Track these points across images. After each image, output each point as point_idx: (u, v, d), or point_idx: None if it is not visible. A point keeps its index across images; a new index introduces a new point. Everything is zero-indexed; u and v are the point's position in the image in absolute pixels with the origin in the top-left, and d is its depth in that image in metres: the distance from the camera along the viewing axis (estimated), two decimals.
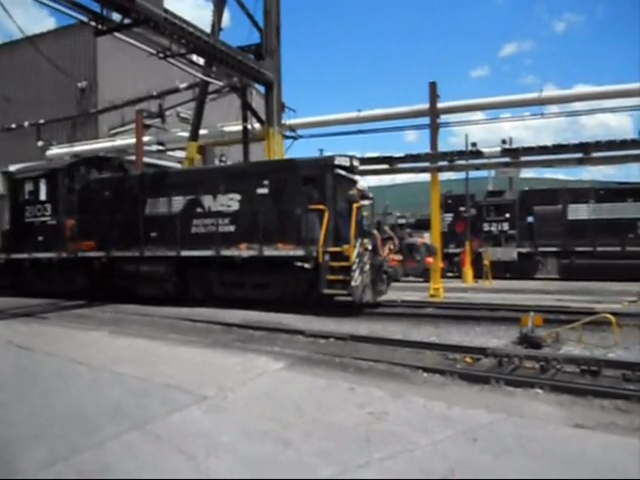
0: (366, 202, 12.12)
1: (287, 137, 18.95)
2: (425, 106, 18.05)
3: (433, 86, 17.67)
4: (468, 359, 7.00)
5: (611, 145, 14.07)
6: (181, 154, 19.35)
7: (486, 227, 23.67)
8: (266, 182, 12.31)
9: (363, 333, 8.74)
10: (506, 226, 23.41)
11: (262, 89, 18.24)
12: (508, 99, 18.40)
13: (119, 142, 24.68)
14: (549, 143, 14.65)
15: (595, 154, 14.21)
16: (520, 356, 6.64)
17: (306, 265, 11.37)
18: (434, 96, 17.55)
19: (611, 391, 5.39)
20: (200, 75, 18.77)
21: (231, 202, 12.74)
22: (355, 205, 11.38)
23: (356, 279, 10.90)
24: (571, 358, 6.57)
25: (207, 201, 13.07)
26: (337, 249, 11.16)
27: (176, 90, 22.39)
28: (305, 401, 5.13)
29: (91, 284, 14.83)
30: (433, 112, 17.44)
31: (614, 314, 8.02)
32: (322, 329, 9.19)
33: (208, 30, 15.43)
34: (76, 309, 13.04)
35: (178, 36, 13.32)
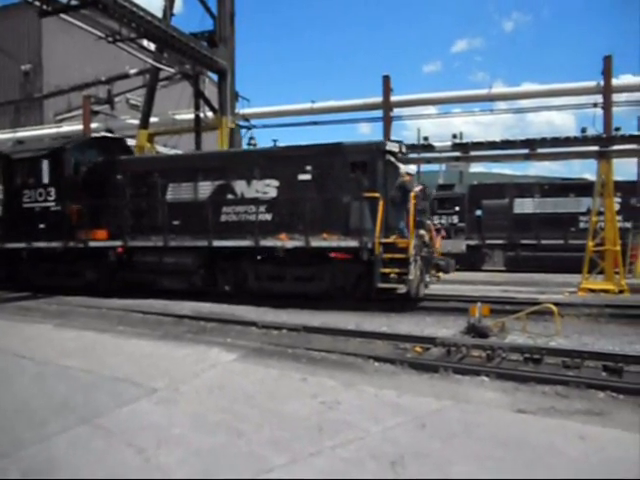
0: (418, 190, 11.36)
1: (241, 127, 18.75)
2: (379, 99, 18.22)
3: (387, 79, 17.85)
4: (418, 348, 7.16)
5: (556, 142, 14.58)
6: (131, 142, 18.89)
7: (436, 220, 24.20)
8: (309, 167, 11.43)
9: (316, 324, 8.80)
10: (456, 219, 24.01)
11: (215, 77, 17.96)
12: (459, 94, 18.79)
13: (65, 128, 23.77)
14: (498, 139, 15.03)
15: (540, 150, 14.68)
16: (468, 345, 6.86)
17: (364, 257, 10.48)
18: (387, 89, 17.74)
19: (552, 377, 5.65)
20: (151, 61, 18.31)
21: (268, 188, 11.79)
22: (413, 194, 10.75)
23: (413, 272, 10.34)
24: (515, 347, 6.82)
25: (239, 187, 12.05)
26: (393, 240, 10.49)
27: (126, 76, 21.77)
28: (258, 392, 5.15)
29: (101, 277, 13.40)
30: (386, 105, 17.63)
31: (556, 304, 8.38)
32: (275, 320, 9.19)
33: (160, 15, 15.06)
34: (20, 301, 12.56)
35: (128, 20, 12.94)
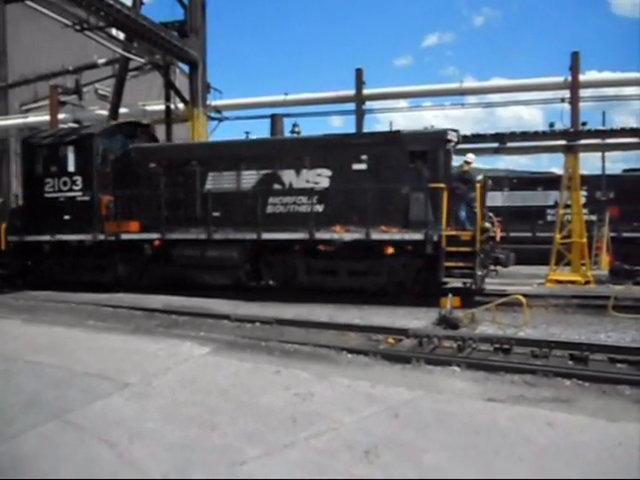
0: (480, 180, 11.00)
1: (212, 118, 18.57)
2: (351, 92, 18.24)
3: (359, 72, 17.88)
4: (391, 340, 7.24)
5: (525, 136, 14.81)
6: None
7: None
8: (364, 157, 10.93)
9: (289, 317, 8.82)
10: None
11: (186, 68, 17.72)
12: (430, 88, 18.92)
13: (32, 119, 23.11)
14: (468, 132, 15.23)
15: (510, 144, 14.92)
16: (439, 336, 6.97)
17: (428, 250, 10.14)
18: (360, 82, 17.78)
19: (520, 367, 5.78)
20: (120, 51, 17.98)
21: (319, 178, 11.21)
22: (478, 184, 10.51)
23: (479, 266, 10.11)
24: (485, 337, 6.96)
25: (288, 177, 11.45)
26: (461, 233, 10.23)
27: (94, 65, 21.26)
28: (231, 385, 5.14)
29: (134, 272, 12.65)
30: (359, 98, 17.67)
31: (525, 295, 8.55)
32: (247, 313, 9.18)
33: (129, 3, 14.76)
34: None
35: (96, 8, 12.65)
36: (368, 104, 18.78)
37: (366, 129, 18.32)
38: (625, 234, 17.42)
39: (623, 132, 14.22)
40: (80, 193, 12.72)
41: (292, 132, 14.43)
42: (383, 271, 10.80)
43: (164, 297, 11.19)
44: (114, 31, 17.14)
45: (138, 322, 8.76)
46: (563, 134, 14.56)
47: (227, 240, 11.56)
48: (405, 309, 9.73)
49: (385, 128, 13.57)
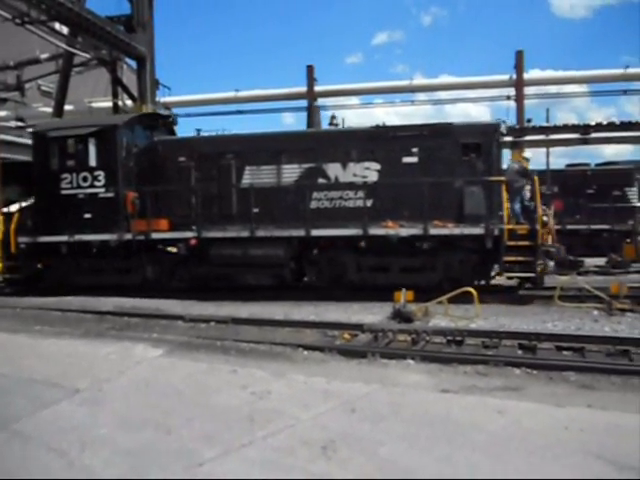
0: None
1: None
2: (303, 89, 18.29)
3: (310, 69, 17.94)
4: (346, 335, 7.30)
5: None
6: None
7: None
8: (415, 150, 10.60)
9: (244, 315, 8.76)
10: None
11: (134, 64, 17.30)
12: (381, 85, 19.19)
13: None
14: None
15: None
16: (394, 330, 7.07)
17: (488, 245, 9.97)
18: (311, 79, 17.84)
19: (472, 358, 5.94)
20: (64, 45, 17.37)
21: (367, 172, 10.79)
22: (536, 178, 10.38)
23: (541, 260, 9.97)
24: (439, 330, 7.12)
25: (333, 170, 10.98)
26: (519, 227, 10.12)
27: (36, 61, 20.50)
28: (187, 386, 5.06)
29: (164, 273, 11.82)
30: (311, 95, 17.73)
31: (476, 288, 8.76)
32: (202, 313, 9.06)
33: None
34: None
35: (37, 0, 12.16)
36: (320, 101, 18.89)
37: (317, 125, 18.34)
38: (569, 226, 18.10)
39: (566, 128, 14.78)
40: (103, 189, 11.66)
41: (330, 124, 13.80)
42: (439, 267, 10.52)
43: (115, 299, 10.90)
44: (57, 25, 16.51)
45: (88, 326, 8.50)
46: (510, 130, 14.95)
47: (271, 237, 10.93)
48: (360, 304, 9.82)
49: (338, 125, 13.43)
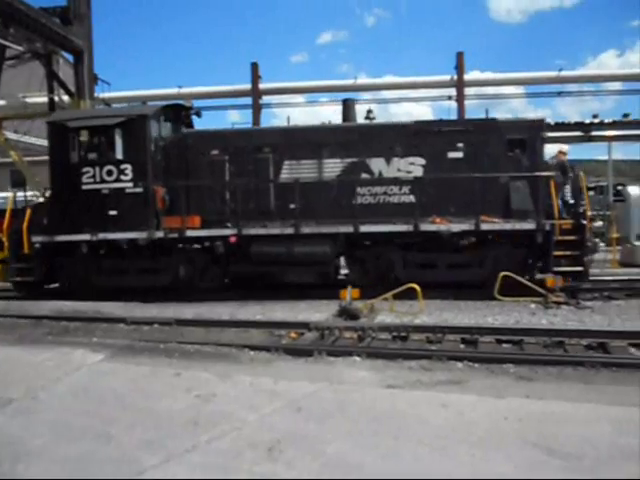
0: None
1: None
2: (247, 86, 18.10)
3: (255, 66, 17.78)
4: (293, 334, 7.28)
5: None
6: None
7: None
8: (460, 145, 10.50)
9: (189, 316, 8.59)
10: None
11: (71, 58, 16.64)
12: (326, 84, 19.27)
13: None
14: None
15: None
16: (340, 328, 7.11)
17: (539, 239, 9.95)
18: (256, 76, 17.69)
19: (417, 353, 6.04)
20: None
21: (412, 167, 10.61)
22: (582, 173, 10.52)
23: (589, 255, 10.11)
24: (384, 326, 7.21)
25: (377, 165, 10.73)
26: (567, 222, 10.17)
27: None
28: (128, 392, 4.91)
29: (195, 273, 11.20)
30: (255, 92, 17.57)
31: (419, 284, 8.92)
32: (145, 315, 8.81)
33: None
34: None
35: None
36: (265, 99, 18.77)
37: (263, 124, 18.24)
38: None
39: None
40: (130, 184, 10.81)
41: (366, 118, 13.32)
42: (487, 263, 10.37)
43: (53, 302, 10.46)
44: None
45: (23, 331, 8.10)
46: None
47: (317, 234, 10.50)
48: (306, 302, 9.82)
49: (282, 123, 13.29)
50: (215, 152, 11.10)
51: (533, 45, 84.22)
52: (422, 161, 10.63)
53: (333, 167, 10.90)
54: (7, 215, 11.69)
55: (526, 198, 10.22)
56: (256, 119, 17.53)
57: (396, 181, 10.64)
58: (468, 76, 18.57)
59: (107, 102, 18.12)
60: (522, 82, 19.82)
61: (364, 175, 10.79)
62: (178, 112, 12.12)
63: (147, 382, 5.21)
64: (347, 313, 7.99)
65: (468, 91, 18.74)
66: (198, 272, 11.21)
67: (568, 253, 10.03)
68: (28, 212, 11.46)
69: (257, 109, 17.60)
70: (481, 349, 6.36)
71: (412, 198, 10.53)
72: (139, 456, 3.51)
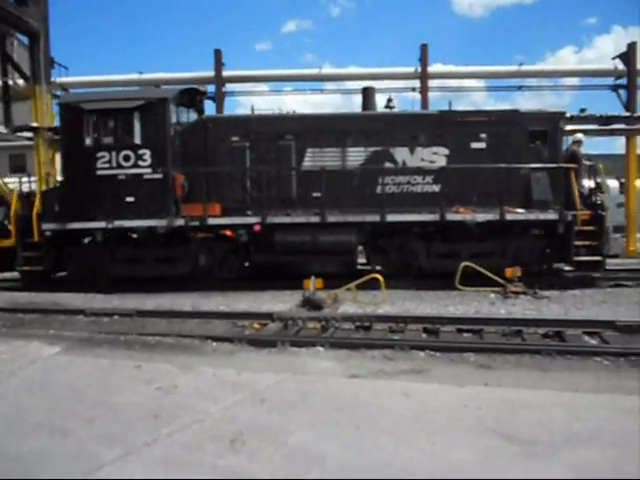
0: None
1: (58, 97, 17.01)
2: (210, 73, 17.78)
3: (218, 54, 17.47)
4: (256, 325, 7.24)
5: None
6: None
7: None
8: (483, 135, 10.60)
9: (150, 308, 8.45)
10: None
11: (26, 40, 15.98)
12: (291, 73, 19.07)
13: None
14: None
15: None
16: (303, 318, 7.12)
17: (560, 230, 10.14)
18: (219, 64, 17.39)
19: (380, 343, 6.10)
20: None
21: (435, 157, 10.65)
22: (601, 165, 10.83)
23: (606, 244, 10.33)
24: (347, 316, 7.25)
25: (400, 154, 10.69)
26: (582, 212, 10.27)
27: None
28: (86, 385, 4.79)
29: (214, 262, 10.91)
30: (218, 80, 17.28)
31: (382, 275, 8.99)
32: (105, 306, 8.64)
33: None
34: None
35: None
36: (229, 87, 18.45)
37: (227, 112, 17.99)
38: None
39: None
40: (149, 170, 10.41)
41: (387, 107, 13.08)
42: (509, 252, 10.49)
43: (8, 293, 10.14)
44: None
45: None
46: None
47: (343, 223, 10.41)
48: (270, 293, 9.78)
49: (247, 111, 13.11)
50: (235, 138, 10.86)
51: (494, 40, 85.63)
52: (445, 151, 10.71)
53: (357, 156, 10.83)
54: (13, 201, 11.17)
55: (547, 189, 10.45)
56: (219, 107, 17.23)
57: (420, 170, 10.68)
58: (432, 68, 18.69)
59: (65, 87, 17.53)
60: (484, 75, 20.08)
61: (388, 164, 10.76)
62: (192, 97, 11.75)
63: (106, 375, 5.09)
64: (310, 303, 8.00)
65: (432, 83, 18.85)
66: (218, 261, 10.98)
67: (587, 243, 10.28)
68: (37, 198, 10.93)
69: (220, 97, 17.31)
70: (442, 338, 6.46)
71: (435, 188, 10.62)
72: (97, 451, 3.43)
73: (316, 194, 10.47)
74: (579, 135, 11.63)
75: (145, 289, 10.25)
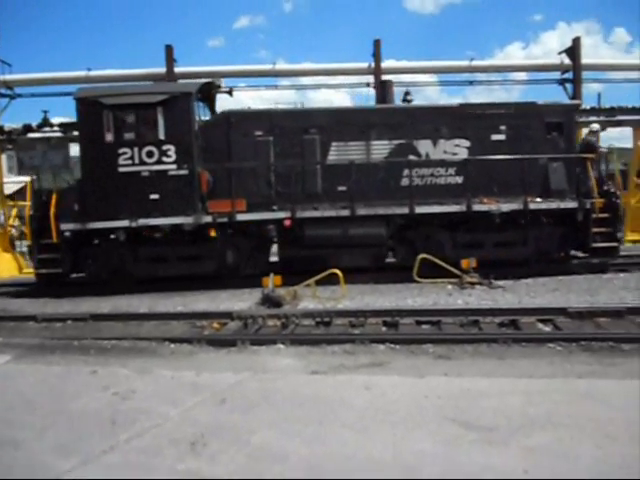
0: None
1: (2, 95, 16.38)
2: (162, 69, 17.44)
3: (169, 50, 17.15)
4: (216, 325, 7.16)
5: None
6: None
7: None
8: (503, 127, 10.79)
9: (105, 311, 8.24)
10: None
11: None
12: (244, 69, 18.89)
13: None
14: None
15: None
16: (263, 316, 7.06)
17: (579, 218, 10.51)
18: (170, 60, 17.07)
19: (340, 338, 6.13)
20: None
21: (457, 149, 10.79)
22: (614, 155, 11.55)
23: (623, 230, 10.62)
24: (307, 313, 7.25)
25: (424, 147, 10.79)
26: (602, 200, 10.61)
27: None
28: (39, 394, 4.62)
29: (242, 259, 10.75)
30: (170, 76, 16.97)
31: (341, 269, 9.02)
32: (57, 311, 8.36)
33: None
34: None
35: None
36: (181, 83, 18.11)
37: None
38: None
39: None
40: (174, 166, 10.18)
41: (404, 100, 13.02)
42: (530, 241, 10.75)
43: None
44: None
45: None
46: None
47: (372, 216, 10.44)
48: (229, 292, 9.69)
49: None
50: (259, 132, 10.74)
51: (445, 36, 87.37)
52: (467, 143, 10.90)
53: (381, 149, 10.90)
54: (28, 201, 10.65)
55: (563, 178, 10.81)
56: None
57: (443, 163, 10.84)
58: (385, 64, 18.85)
59: (9, 85, 16.86)
60: (436, 70, 20.38)
61: (411, 157, 10.86)
62: (208, 91, 11.57)
63: (60, 382, 4.93)
64: (270, 301, 7.96)
65: (385, 78, 19.05)
66: (244, 258, 10.83)
67: (603, 230, 10.69)
68: (54, 197, 10.39)
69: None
70: (402, 331, 6.54)
71: (458, 179, 10.82)
72: (52, 462, 3.31)
73: (341, 188, 10.61)
74: (595, 125, 12.04)
75: (101, 292, 9.97)
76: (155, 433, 3.69)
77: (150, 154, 10.20)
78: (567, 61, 18.43)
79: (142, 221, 10.19)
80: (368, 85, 18.61)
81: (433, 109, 11.79)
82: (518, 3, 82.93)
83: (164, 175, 10.21)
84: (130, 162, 10.17)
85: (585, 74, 18.46)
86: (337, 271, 8.61)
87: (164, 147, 10.19)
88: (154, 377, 4.95)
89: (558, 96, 18.38)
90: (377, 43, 18.16)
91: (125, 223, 10.18)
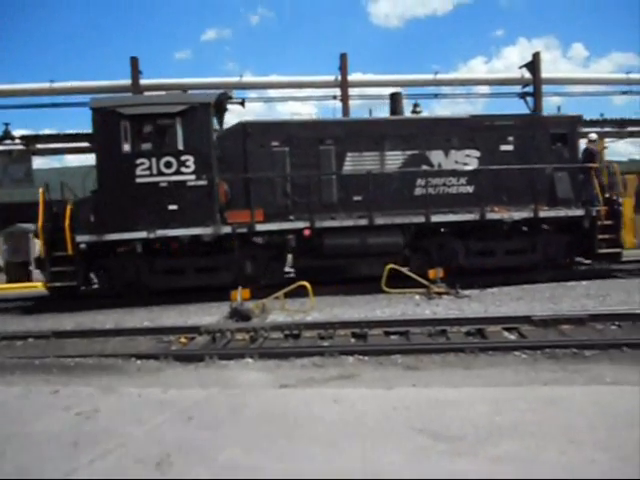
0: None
1: None
2: (127, 82, 17.24)
3: (134, 61, 16.99)
4: (183, 339, 7.05)
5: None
6: None
7: None
8: (511, 138, 11.27)
9: (69, 328, 8.02)
10: None
11: None
12: (210, 81, 18.80)
13: None
14: None
15: None
16: (231, 330, 6.99)
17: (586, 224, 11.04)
18: (135, 71, 16.90)
19: (309, 350, 6.10)
20: None
21: (468, 159, 11.20)
22: (616, 165, 11.86)
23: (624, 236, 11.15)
24: (276, 326, 7.20)
25: (436, 157, 11.18)
26: (606, 208, 11.07)
27: None
28: None
29: (259, 270, 10.74)
30: (136, 88, 16.79)
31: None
32: (18, 329, 8.10)
33: None
34: None
35: None
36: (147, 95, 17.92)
37: None
38: None
39: None
40: (193, 177, 10.12)
41: (413, 112, 13.21)
42: (538, 248, 11.20)
43: None
44: None
45: None
46: None
47: (390, 225, 10.69)
48: (197, 305, 9.59)
49: None
50: (276, 143, 10.90)
51: (410, 50, 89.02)
52: (477, 153, 11.32)
53: (395, 159, 11.22)
54: (40, 212, 10.29)
55: (569, 187, 11.32)
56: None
57: (455, 172, 11.21)
58: (352, 77, 19.06)
59: None
60: (401, 84, 20.64)
61: (424, 167, 11.19)
62: (221, 102, 11.56)
63: (19, 403, 4.75)
64: (238, 314, 7.89)
65: (352, 91, 19.22)
66: (262, 268, 10.82)
67: (607, 236, 11.16)
68: (68, 209, 10.18)
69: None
70: (370, 342, 6.55)
71: (469, 189, 11.22)
72: None
73: (357, 197, 10.91)
74: (593, 135, 12.54)
75: (66, 308, 9.72)
76: (119, 454, 3.58)
77: (169, 164, 10.17)
78: (528, 75, 18.98)
79: (160, 232, 10.13)
80: (335, 98, 18.77)
81: (444, 120, 12.11)
82: (481, 18, 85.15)
83: (183, 186, 10.20)
84: (148, 172, 10.13)
85: (545, 88, 19.05)
86: (306, 283, 8.60)
87: (183, 157, 10.20)
88: (119, 395, 4.82)
89: (520, 109, 18.90)
90: (343, 57, 18.36)
91: (143, 234, 10.10)
